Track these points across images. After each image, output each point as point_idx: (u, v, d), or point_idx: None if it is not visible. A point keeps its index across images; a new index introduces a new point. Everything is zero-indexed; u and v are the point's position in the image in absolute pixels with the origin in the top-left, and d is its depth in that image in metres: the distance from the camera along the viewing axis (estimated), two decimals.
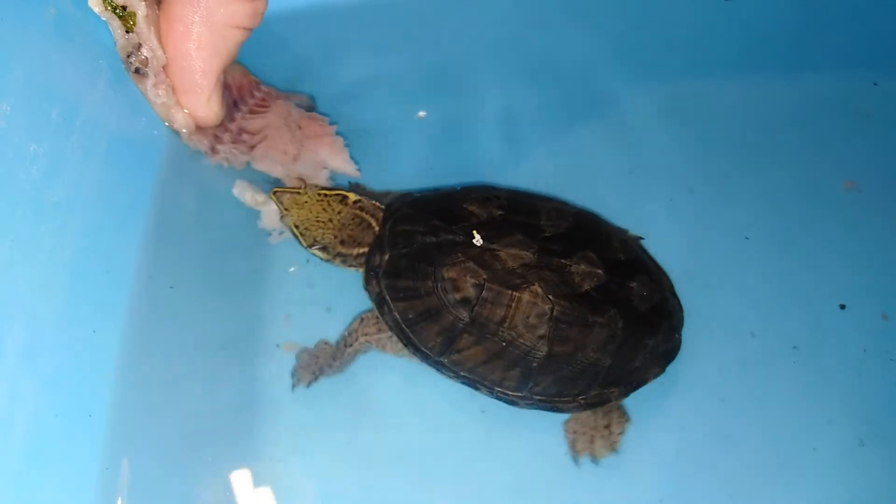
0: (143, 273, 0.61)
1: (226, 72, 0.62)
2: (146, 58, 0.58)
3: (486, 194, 0.61)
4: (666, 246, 0.65)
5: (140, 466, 0.56)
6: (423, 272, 0.55)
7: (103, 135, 0.59)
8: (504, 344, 0.54)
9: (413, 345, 0.56)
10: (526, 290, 0.53)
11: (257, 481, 0.57)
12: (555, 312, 0.53)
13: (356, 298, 0.63)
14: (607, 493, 0.58)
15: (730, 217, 0.69)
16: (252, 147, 0.66)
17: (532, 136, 0.73)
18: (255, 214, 0.65)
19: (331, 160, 0.66)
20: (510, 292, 0.53)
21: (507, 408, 0.58)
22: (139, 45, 0.58)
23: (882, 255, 0.68)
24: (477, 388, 0.57)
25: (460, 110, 0.74)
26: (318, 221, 0.60)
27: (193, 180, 0.66)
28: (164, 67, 0.59)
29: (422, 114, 0.74)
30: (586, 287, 0.55)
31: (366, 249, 0.60)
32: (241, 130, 0.66)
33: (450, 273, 0.54)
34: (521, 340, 0.54)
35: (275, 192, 0.60)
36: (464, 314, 0.54)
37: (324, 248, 0.60)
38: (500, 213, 0.59)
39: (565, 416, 0.60)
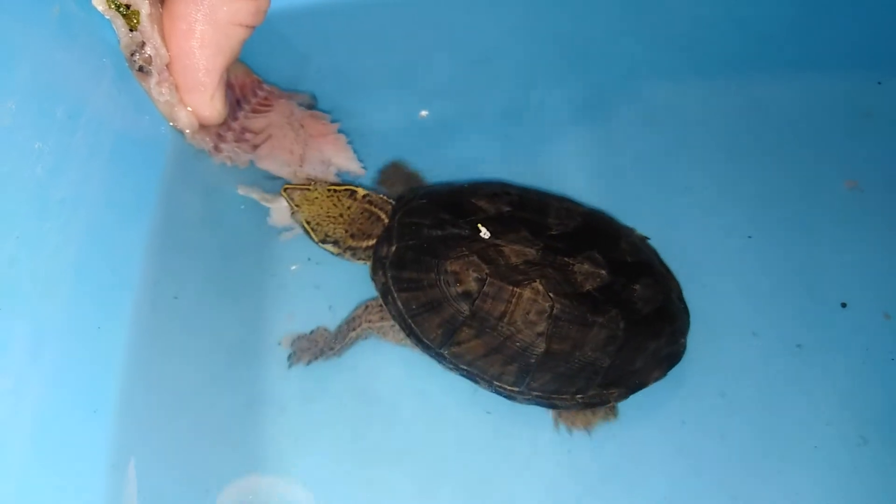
0: (147, 270, 0.61)
1: (228, 70, 0.62)
2: (150, 56, 0.58)
3: (497, 190, 0.62)
4: (668, 244, 0.65)
5: (147, 462, 0.56)
6: (427, 264, 0.56)
7: (108, 133, 0.60)
8: (503, 339, 0.55)
9: (415, 335, 0.57)
10: (527, 287, 0.54)
11: (262, 478, 0.57)
12: (554, 310, 0.54)
13: (358, 296, 0.63)
14: (609, 492, 0.58)
15: (732, 216, 0.69)
16: (255, 146, 0.66)
17: (533, 135, 0.73)
18: (259, 212, 0.65)
19: (335, 158, 0.67)
20: (511, 288, 0.54)
21: (510, 406, 0.58)
22: (143, 44, 0.58)
23: (884, 255, 0.68)
24: (476, 382, 0.57)
25: (463, 110, 0.74)
26: (328, 217, 0.61)
27: (197, 179, 0.67)
28: (167, 65, 0.59)
29: (424, 113, 0.74)
30: (588, 287, 0.55)
31: (374, 242, 0.60)
32: (244, 129, 0.66)
33: (453, 266, 0.55)
34: (520, 336, 0.54)
35: (285, 189, 0.61)
36: (464, 307, 0.55)
37: (335, 243, 0.61)
38: (507, 209, 0.59)
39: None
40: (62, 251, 0.54)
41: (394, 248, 0.58)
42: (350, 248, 0.61)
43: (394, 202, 0.63)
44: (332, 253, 0.62)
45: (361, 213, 0.61)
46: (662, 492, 0.58)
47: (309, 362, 0.61)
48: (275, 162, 0.66)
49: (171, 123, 0.64)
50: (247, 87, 0.68)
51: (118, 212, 0.60)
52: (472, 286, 0.54)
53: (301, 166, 0.65)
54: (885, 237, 0.68)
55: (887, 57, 0.78)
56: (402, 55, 0.76)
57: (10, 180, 0.50)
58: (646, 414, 0.60)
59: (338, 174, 0.67)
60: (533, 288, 0.54)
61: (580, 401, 0.56)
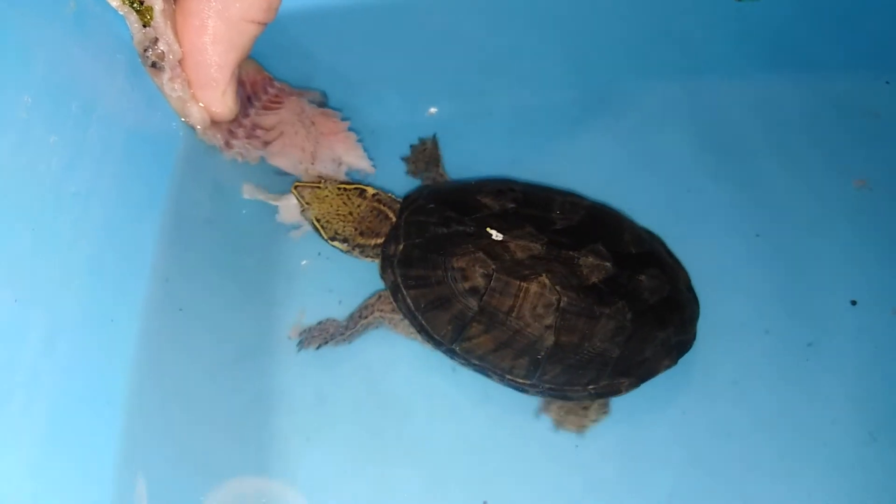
0: (159, 264, 0.62)
1: (240, 67, 0.62)
2: (162, 52, 0.59)
3: (501, 187, 0.62)
4: (677, 243, 0.65)
5: (156, 455, 0.56)
6: (434, 262, 0.56)
7: (121, 128, 0.60)
8: (512, 333, 0.55)
9: (426, 332, 0.57)
10: (534, 281, 0.54)
11: (271, 473, 0.58)
12: (561, 303, 0.54)
13: (368, 293, 0.63)
14: (616, 487, 0.58)
15: (740, 214, 0.69)
16: (266, 143, 0.67)
17: (543, 134, 0.73)
18: (270, 208, 0.66)
19: (346, 156, 0.67)
20: (518, 282, 0.54)
21: (522, 405, 0.59)
22: (156, 40, 0.58)
23: (892, 253, 0.68)
24: (489, 376, 0.58)
25: (471, 109, 0.74)
26: (338, 214, 0.61)
27: (208, 174, 0.67)
28: (179, 62, 0.59)
29: (433, 110, 0.74)
30: (594, 279, 0.56)
31: (383, 240, 0.61)
32: (255, 126, 0.67)
33: (459, 263, 0.55)
34: (529, 330, 0.55)
35: (296, 187, 0.62)
36: (473, 303, 0.55)
37: (344, 241, 0.62)
38: (512, 205, 0.59)
39: None
40: (76, 244, 0.54)
41: (401, 247, 0.58)
42: (359, 245, 0.62)
43: (401, 201, 0.63)
44: (342, 250, 0.63)
45: (370, 212, 0.62)
46: (671, 487, 0.58)
47: (318, 347, 0.61)
48: (287, 159, 0.66)
49: (183, 119, 0.64)
50: (258, 85, 0.68)
51: (130, 206, 0.61)
52: (480, 282, 0.55)
53: (313, 164, 0.66)
54: (893, 235, 0.69)
55: (895, 57, 0.78)
56: (411, 54, 0.76)
57: (27, 173, 0.50)
58: (653, 410, 0.60)
59: (348, 172, 0.67)
60: (539, 282, 0.54)
61: (592, 391, 0.57)
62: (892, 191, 0.71)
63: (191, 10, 0.56)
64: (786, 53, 0.78)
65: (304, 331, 0.62)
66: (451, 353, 0.57)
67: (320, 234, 0.62)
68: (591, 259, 0.56)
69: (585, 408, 0.59)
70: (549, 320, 0.54)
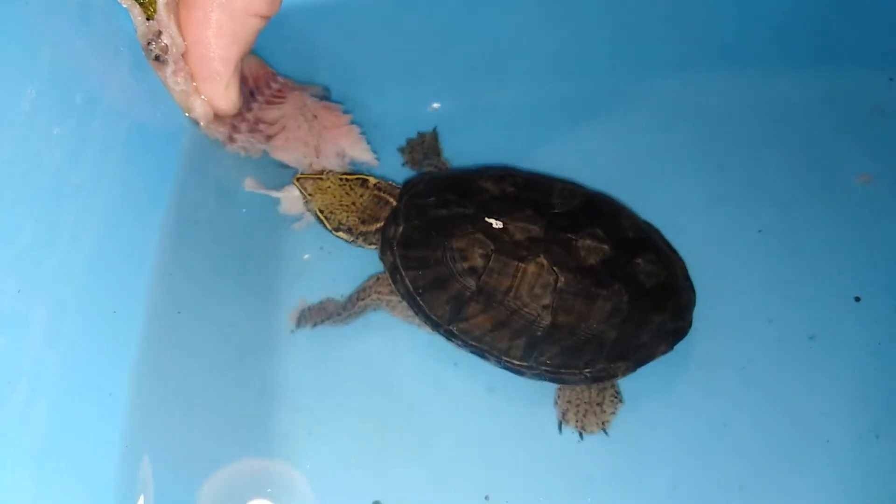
0: (161, 258, 0.62)
1: (243, 62, 0.62)
2: (166, 45, 0.59)
3: (502, 173, 0.63)
4: (679, 238, 0.65)
5: (159, 447, 0.56)
6: (433, 242, 0.57)
7: (124, 121, 0.60)
8: (509, 313, 0.55)
9: (423, 313, 0.58)
10: (532, 262, 0.55)
11: (273, 467, 0.58)
12: (559, 284, 0.55)
13: None
14: (617, 481, 0.58)
15: (744, 209, 0.69)
16: (269, 137, 0.67)
17: (546, 129, 0.73)
18: (271, 202, 0.66)
19: (350, 150, 0.67)
20: (516, 263, 0.55)
21: (525, 399, 0.59)
22: (159, 33, 0.58)
23: None
24: (486, 358, 0.58)
25: (474, 103, 0.74)
26: (341, 205, 0.62)
27: (211, 168, 0.67)
28: (183, 55, 0.59)
29: (435, 105, 0.74)
30: (592, 261, 0.56)
31: (383, 224, 0.61)
32: (258, 120, 0.67)
33: (459, 243, 0.56)
34: (526, 310, 0.55)
35: (298, 179, 0.62)
36: (471, 283, 0.56)
37: (348, 230, 0.62)
38: (512, 189, 0.60)
39: None
40: (79, 235, 0.54)
41: (401, 228, 0.59)
42: (362, 233, 0.62)
43: (401, 187, 0.64)
44: (346, 240, 0.63)
45: (372, 200, 0.62)
46: (671, 481, 0.58)
47: (314, 325, 0.62)
48: (290, 153, 0.66)
49: (186, 113, 0.64)
50: (261, 79, 0.68)
51: (133, 198, 0.61)
52: (478, 262, 0.56)
53: (317, 157, 0.66)
54: None
55: None
56: (414, 48, 0.76)
57: (31, 164, 0.51)
58: (655, 405, 0.60)
59: (352, 164, 0.68)
60: (537, 262, 0.55)
61: (588, 375, 0.57)
62: None
63: (194, 3, 0.57)
64: (789, 49, 0.78)
65: (304, 310, 0.62)
66: (449, 335, 0.58)
67: (324, 226, 0.62)
68: (589, 241, 0.57)
69: (600, 404, 0.59)
70: (546, 300, 0.55)
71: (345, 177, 0.63)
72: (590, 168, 0.69)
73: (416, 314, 0.58)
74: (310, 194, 0.62)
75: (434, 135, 0.71)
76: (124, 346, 0.58)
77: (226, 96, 0.62)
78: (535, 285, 0.55)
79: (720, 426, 0.60)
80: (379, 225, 0.62)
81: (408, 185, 0.64)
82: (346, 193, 0.62)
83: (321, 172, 0.63)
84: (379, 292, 0.61)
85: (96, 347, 0.55)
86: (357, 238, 0.62)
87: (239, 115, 0.66)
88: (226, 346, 0.62)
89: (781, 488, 0.58)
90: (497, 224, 0.57)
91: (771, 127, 0.74)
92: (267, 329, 0.63)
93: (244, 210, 0.67)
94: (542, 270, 0.55)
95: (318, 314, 0.62)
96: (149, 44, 0.59)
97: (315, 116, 0.68)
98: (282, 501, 0.56)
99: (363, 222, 0.62)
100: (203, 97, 0.63)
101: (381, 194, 0.63)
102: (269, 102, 0.68)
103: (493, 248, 0.55)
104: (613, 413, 0.59)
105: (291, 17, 0.68)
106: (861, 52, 0.78)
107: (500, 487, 0.58)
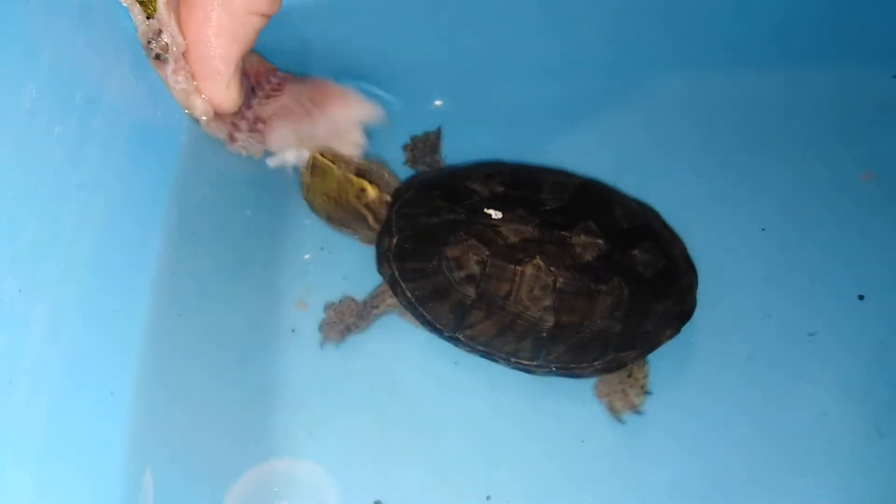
0: (163, 257, 0.62)
1: (244, 60, 0.62)
2: (166, 44, 0.59)
3: (490, 170, 0.62)
4: (680, 237, 0.64)
5: (161, 447, 0.57)
6: (428, 252, 0.57)
7: (124, 119, 0.60)
8: (512, 317, 0.55)
9: (428, 322, 0.58)
10: (528, 264, 0.55)
11: (278, 466, 0.58)
12: (558, 284, 0.55)
13: (374, 282, 0.63)
14: (619, 480, 0.58)
15: (746, 209, 0.69)
16: (266, 134, 0.67)
17: (549, 127, 0.73)
18: (274, 198, 0.66)
19: (345, 114, 0.66)
20: (513, 267, 0.55)
21: (529, 395, 0.59)
22: (159, 32, 0.58)
23: None
24: (495, 361, 0.58)
25: (478, 100, 0.74)
26: (323, 194, 0.62)
27: (212, 167, 0.67)
28: (183, 54, 0.59)
29: (438, 103, 0.74)
30: (588, 257, 0.56)
31: (351, 233, 0.63)
32: (258, 119, 0.67)
33: (453, 252, 0.56)
34: (528, 313, 0.55)
35: (314, 156, 0.62)
36: (470, 290, 0.55)
37: (326, 218, 0.63)
38: (501, 189, 0.60)
39: (584, 391, 0.60)
40: (80, 234, 0.55)
41: (395, 240, 0.59)
42: (333, 224, 0.63)
43: (389, 199, 0.63)
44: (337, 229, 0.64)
45: (353, 210, 0.62)
46: (674, 477, 0.58)
47: (338, 343, 0.62)
48: (283, 140, 0.65)
49: (187, 111, 0.64)
50: (261, 75, 0.68)
51: (134, 197, 0.61)
52: (475, 269, 0.55)
53: (314, 134, 0.65)
54: None
55: None
56: (418, 46, 0.76)
57: (31, 163, 0.51)
58: (658, 400, 0.60)
59: (366, 131, 0.66)
60: (534, 264, 0.55)
61: (599, 367, 0.57)
62: None
63: (195, 1, 0.56)
64: (791, 46, 0.77)
65: (323, 324, 0.62)
66: (456, 342, 0.58)
67: (300, 191, 0.63)
68: (583, 237, 0.56)
69: (630, 375, 0.59)
70: (547, 301, 0.55)
71: (350, 177, 0.62)
72: (591, 165, 0.69)
73: (422, 324, 0.58)
74: (312, 166, 0.62)
75: (438, 133, 0.71)
76: (126, 345, 0.58)
77: (226, 95, 0.62)
78: (533, 287, 0.55)
79: (720, 425, 0.60)
80: (347, 232, 0.63)
81: (397, 192, 0.63)
82: (337, 189, 0.61)
83: (334, 159, 0.62)
84: (393, 298, 0.60)
85: (97, 346, 0.55)
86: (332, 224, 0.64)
87: (239, 113, 0.66)
88: (227, 345, 0.62)
89: (782, 487, 0.58)
90: (497, 214, 0.56)
91: (773, 125, 0.73)
92: (268, 328, 0.63)
93: (245, 206, 0.67)
94: (539, 272, 0.55)
95: (341, 323, 0.61)
96: (149, 42, 0.59)
97: (310, 99, 0.67)
98: (282, 500, 0.56)
99: (329, 219, 0.63)
100: (203, 96, 0.62)
101: (365, 211, 0.62)
102: (268, 97, 0.68)
103: (487, 253, 0.55)
104: (645, 376, 0.59)
105: (293, 14, 0.68)
106: (864, 49, 0.77)
107: (501, 487, 0.58)
